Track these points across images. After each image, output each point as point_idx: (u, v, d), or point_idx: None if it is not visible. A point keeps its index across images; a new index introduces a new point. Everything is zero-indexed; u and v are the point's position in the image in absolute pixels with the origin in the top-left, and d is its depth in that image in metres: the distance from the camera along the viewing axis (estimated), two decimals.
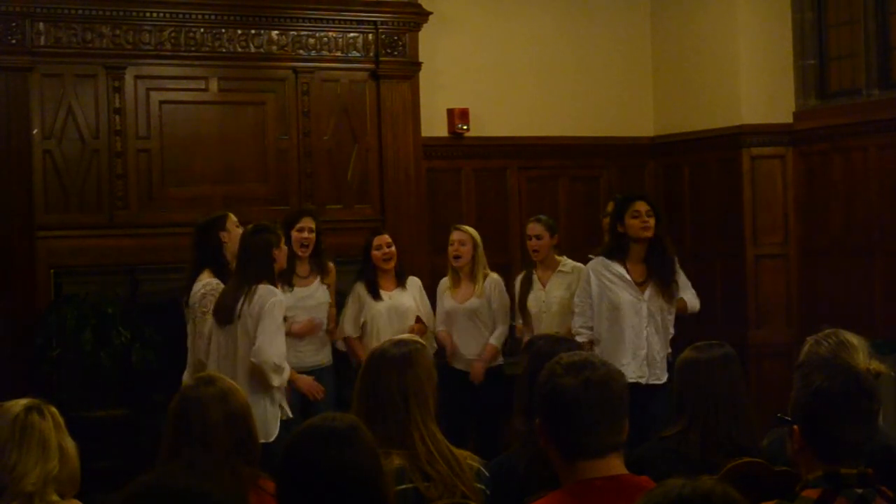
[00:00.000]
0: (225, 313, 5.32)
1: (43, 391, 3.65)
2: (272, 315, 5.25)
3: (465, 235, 6.66)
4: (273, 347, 5.23)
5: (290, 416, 5.42)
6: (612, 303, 5.91)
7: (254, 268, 5.32)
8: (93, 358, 6.73)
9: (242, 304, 5.27)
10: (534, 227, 6.66)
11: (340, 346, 6.64)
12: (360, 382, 3.27)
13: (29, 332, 6.82)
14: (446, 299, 6.69)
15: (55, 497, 3.00)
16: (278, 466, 2.55)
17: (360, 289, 6.58)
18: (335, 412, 2.68)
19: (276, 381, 5.26)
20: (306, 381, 5.97)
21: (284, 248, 5.50)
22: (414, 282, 6.71)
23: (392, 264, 6.58)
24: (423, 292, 6.74)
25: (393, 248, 6.58)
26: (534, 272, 6.68)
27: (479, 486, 3.22)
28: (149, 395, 6.72)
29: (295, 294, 6.30)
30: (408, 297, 6.60)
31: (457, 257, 6.63)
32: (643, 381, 5.79)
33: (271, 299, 5.27)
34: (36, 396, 3.14)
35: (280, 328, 5.34)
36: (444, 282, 6.77)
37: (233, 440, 3.02)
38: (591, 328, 6.00)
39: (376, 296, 6.53)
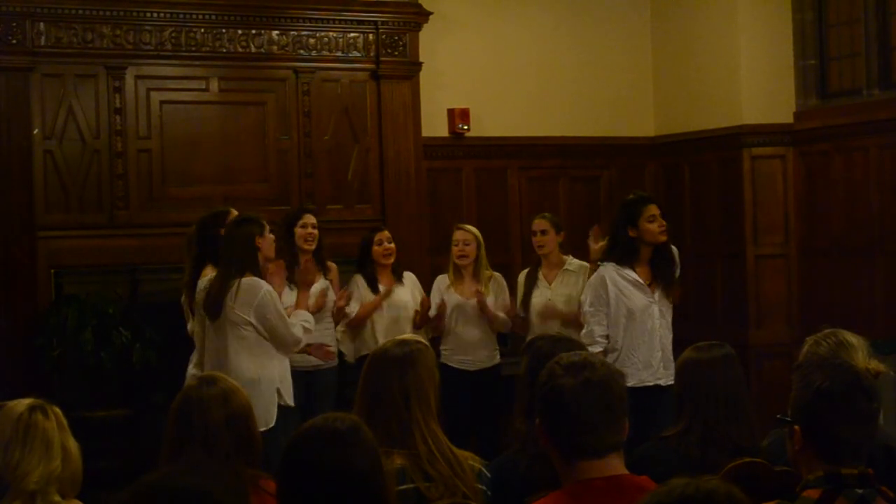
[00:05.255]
0: (214, 307, 5.31)
1: (43, 391, 3.65)
2: (269, 310, 5.27)
3: (468, 235, 6.70)
4: (289, 337, 5.38)
5: (291, 404, 5.45)
6: (629, 309, 5.80)
7: (238, 259, 5.29)
8: (93, 358, 6.74)
9: (227, 298, 5.25)
10: (539, 223, 6.67)
11: (345, 349, 6.66)
12: (362, 382, 3.28)
13: (29, 333, 6.83)
14: (451, 295, 6.70)
15: (57, 497, 3.01)
16: (279, 467, 2.55)
17: (359, 280, 6.62)
18: (336, 412, 2.68)
19: (306, 340, 5.57)
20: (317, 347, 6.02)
21: (269, 236, 5.44)
22: (409, 277, 6.78)
23: (391, 260, 6.64)
24: (420, 286, 6.78)
25: (393, 245, 6.65)
26: (539, 269, 6.69)
27: (479, 486, 3.22)
28: (149, 395, 6.73)
29: None
30: (405, 293, 6.66)
31: (462, 257, 6.66)
32: (663, 382, 5.69)
33: (259, 294, 5.25)
34: (37, 397, 3.15)
35: (282, 316, 5.35)
36: (444, 278, 6.80)
37: (234, 441, 3.02)
38: (608, 336, 5.85)
39: (375, 290, 6.57)
